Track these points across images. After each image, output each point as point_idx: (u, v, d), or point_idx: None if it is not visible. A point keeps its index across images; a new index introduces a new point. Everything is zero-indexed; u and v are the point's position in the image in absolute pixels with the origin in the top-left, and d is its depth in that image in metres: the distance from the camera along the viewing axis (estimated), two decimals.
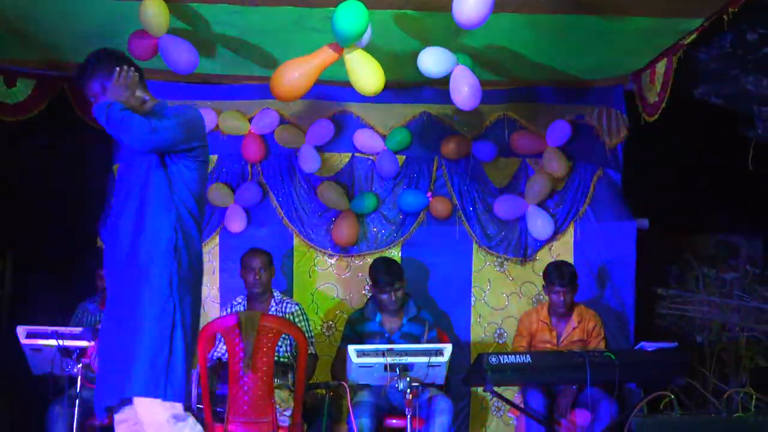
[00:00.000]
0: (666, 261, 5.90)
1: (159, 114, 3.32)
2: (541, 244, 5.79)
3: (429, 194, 5.77)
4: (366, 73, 4.46)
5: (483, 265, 5.79)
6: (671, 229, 5.88)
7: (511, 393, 5.06)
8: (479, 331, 5.73)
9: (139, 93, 3.38)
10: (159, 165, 3.28)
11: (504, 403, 5.02)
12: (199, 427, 3.17)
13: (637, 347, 4.72)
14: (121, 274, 3.22)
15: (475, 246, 5.78)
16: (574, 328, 5.10)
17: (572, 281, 5.05)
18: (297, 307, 5.18)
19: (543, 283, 5.18)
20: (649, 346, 4.57)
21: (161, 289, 3.16)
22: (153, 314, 3.12)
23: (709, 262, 5.68)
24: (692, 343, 5.47)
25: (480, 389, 5.21)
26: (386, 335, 5.02)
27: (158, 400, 3.07)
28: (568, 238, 5.81)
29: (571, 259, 5.69)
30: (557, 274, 5.05)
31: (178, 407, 3.12)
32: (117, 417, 3.23)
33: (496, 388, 4.51)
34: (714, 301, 5.29)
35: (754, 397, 3.90)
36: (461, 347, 5.60)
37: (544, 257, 5.70)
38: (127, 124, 3.18)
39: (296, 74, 4.44)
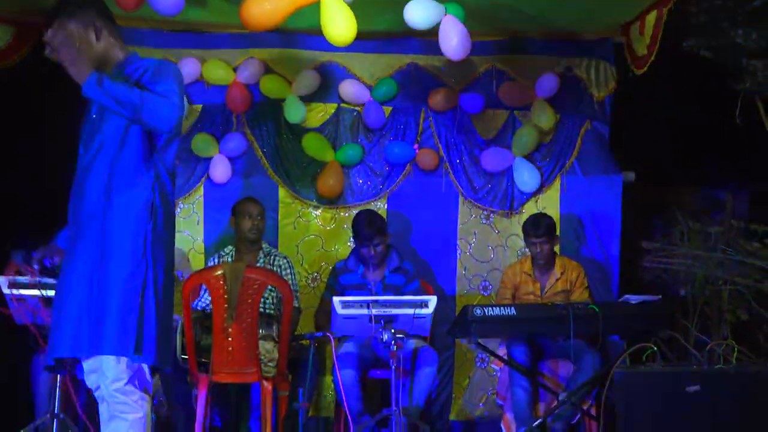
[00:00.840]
0: (651, 214, 5.91)
1: (151, 76, 3.10)
2: (527, 197, 5.80)
3: (415, 146, 5.76)
4: (336, 22, 4.40)
5: (469, 217, 5.80)
6: (657, 183, 5.89)
7: (495, 345, 5.12)
8: (464, 283, 5.76)
9: (118, 51, 3.23)
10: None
11: (488, 354, 5.07)
12: (147, 408, 3.09)
13: (621, 300, 4.77)
14: (90, 231, 3.09)
15: (461, 198, 5.79)
16: (557, 280, 5.16)
17: (548, 232, 5.10)
18: (285, 260, 5.20)
19: (522, 237, 5.24)
20: (633, 298, 4.62)
21: (135, 248, 3.05)
22: (126, 273, 3.03)
23: (694, 216, 5.70)
24: (676, 297, 5.51)
25: (464, 341, 5.26)
26: (369, 287, 5.05)
27: (125, 359, 3.01)
28: (555, 191, 5.82)
29: (557, 212, 5.74)
30: (532, 226, 5.13)
31: (145, 371, 3.07)
32: (87, 366, 3.13)
33: (480, 340, 4.56)
34: (698, 254, 5.32)
35: (735, 349, 3.95)
36: (446, 299, 5.63)
37: (531, 210, 5.71)
38: (156, 109, 2.97)
39: (268, 5, 4.38)
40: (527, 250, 5.52)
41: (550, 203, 5.80)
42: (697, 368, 3.89)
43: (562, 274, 5.18)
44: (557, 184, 5.82)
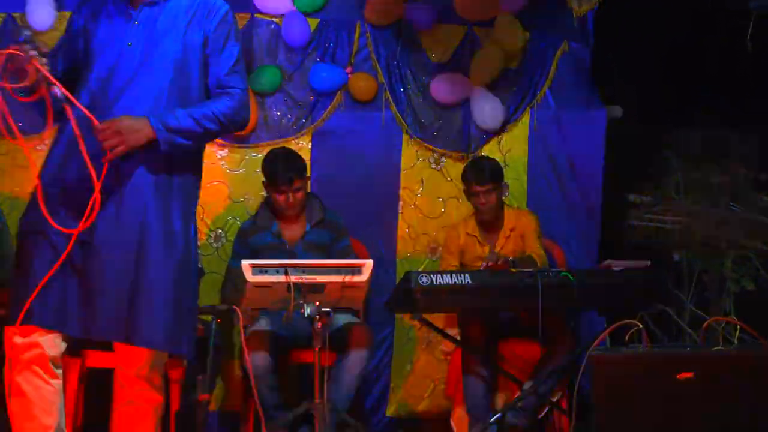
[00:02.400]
0: (641, 160, 5.96)
1: (220, 53, 3.47)
2: (488, 137, 5.82)
3: (348, 69, 5.73)
4: None
5: (415, 161, 5.80)
6: (648, 120, 5.92)
7: (444, 321, 5.14)
8: (408, 244, 5.77)
9: None
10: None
11: (436, 333, 5.08)
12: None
13: (601, 266, 4.80)
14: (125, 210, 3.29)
15: (405, 137, 5.79)
16: (507, 238, 5.17)
17: (494, 178, 5.12)
18: None
19: (462, 187, 5.26)
20: (617, 265, 4.64)
21: (186, 232, 3.38)
22: (177, 259, 3.33)
23: (692, 162, 5.77)
24: (668, 263, 5.59)
25: (407, 316, 5.26)
26: (286, 247, 5.02)
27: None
28: (522, 129, 5.84)
29: (525, 156, 5.78)
30: (474, 170, 5.16)
31: None
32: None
33: (426, 316, 4.56)
34: (696, 210, 5.39)
35: (738, 327, 4.01)
36: (384, 264, 5.63)
37: (492, 153, 5.72)
38: (233, 121, 3.48)
39: None
40: None
41: (516, 144, 5.82)
42: (692, 350, 3.94)
43: (512, 230, 5.19)
44: (525, 120, 5.84)
